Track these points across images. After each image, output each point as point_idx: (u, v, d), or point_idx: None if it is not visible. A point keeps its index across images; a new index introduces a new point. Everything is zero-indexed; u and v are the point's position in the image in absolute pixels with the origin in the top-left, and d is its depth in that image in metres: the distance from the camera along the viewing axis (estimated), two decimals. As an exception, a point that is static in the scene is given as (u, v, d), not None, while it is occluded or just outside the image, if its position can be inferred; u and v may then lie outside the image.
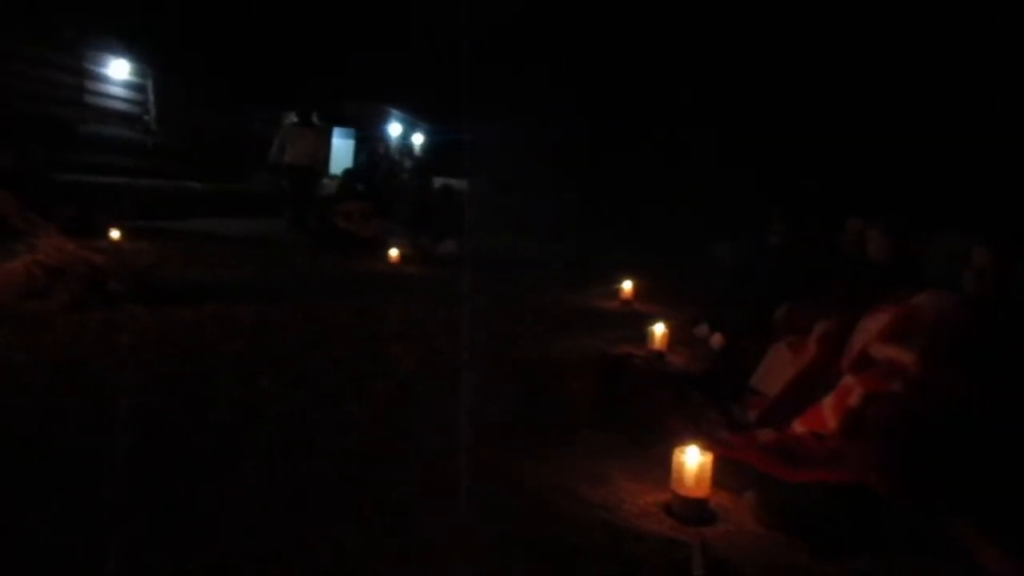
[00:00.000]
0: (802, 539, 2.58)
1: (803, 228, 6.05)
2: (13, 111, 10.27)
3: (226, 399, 3.58)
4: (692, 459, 2.70)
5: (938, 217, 7.96)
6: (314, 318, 5.55)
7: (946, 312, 3.11)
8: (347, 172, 13.67)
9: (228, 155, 14.59)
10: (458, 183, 17.11)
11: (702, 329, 5.74)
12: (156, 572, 2.09)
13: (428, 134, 24.25)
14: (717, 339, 5.33)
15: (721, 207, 13.77)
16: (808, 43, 16.32)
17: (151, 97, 13.00)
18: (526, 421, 3.64)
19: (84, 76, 11.67)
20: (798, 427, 3.28)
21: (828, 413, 3.14)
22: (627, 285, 7.51)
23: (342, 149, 19.29)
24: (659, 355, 5.14)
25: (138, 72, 12.60)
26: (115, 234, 7.90)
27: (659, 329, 5.24)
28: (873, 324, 3.32)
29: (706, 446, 2.76)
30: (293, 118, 11.83)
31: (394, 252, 9.38)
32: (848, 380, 3.19)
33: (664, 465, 2.82)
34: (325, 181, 12.33)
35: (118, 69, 12.16)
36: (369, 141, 21.15)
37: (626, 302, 7.42)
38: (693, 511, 2.69)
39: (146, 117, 13.00)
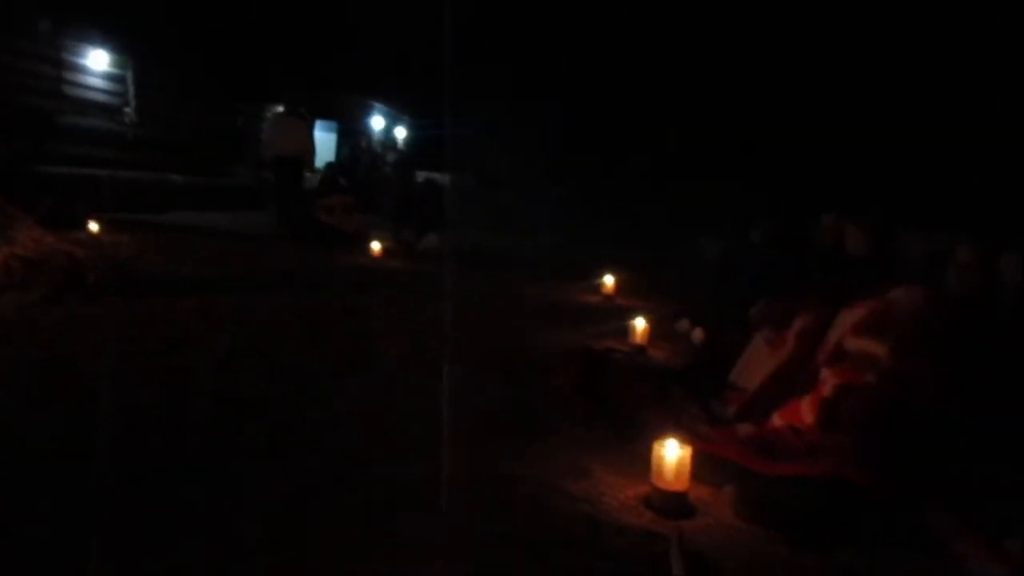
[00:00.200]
0: (781, 532, 2.61)
1: (784, 225, 6.10)
2: (-10, 102, 10.16)
3: (208, 393, 3.57)
4: (672, 453, 2.72)
5: (918, 215, 8.03)
6: (296, 312, 5.53)
7: (919, 306, 3.16)
8: (329, 166, 13.63)
9: (210, 147, 14.47)
10: (441, 177, 17.11)
11: (683, 324, 5.78)
12: (138, 568, 2.08)
13: (411, 128, 24.16)
14: (698, 334, 5.37)
15: (706, 203, 13.82)
16: (791, 41, 16.40)
17: (131, 88, 12.87)
18: (508, 415, 3.66)
19: (62, 67, 11.53)
20: (777, 421, 3.33)
21: (806, 407, 3.18)
22: (609, 280, 7.54)
23: (324, 142, 19.15)
24: (640, 350, 5.17)
25: (118, 63, 12.46)
26: (94, 227, 7.84)
27: (640, 324, 5.27)
28: (849, 319, 3.36)
29: (686, 440, 2.78)
30: (279, 109, 11.79)
31: (376, 246, 9.35)
32: (824, 373, 3.23)
33: (645, 459, 2.84)
34: (308, 175, 12.29)
35: (97, 60, 12.02)
36: (351, 134, 21.05)
37: (608, 297, 7.46)
38: (673, 504, 2.71)
39: (126, 108, 12.87)
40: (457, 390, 3.85)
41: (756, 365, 4.03)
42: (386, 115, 22.30)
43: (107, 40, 12.02)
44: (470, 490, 2.72)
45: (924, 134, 13.17)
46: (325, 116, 18.53)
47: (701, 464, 2.85)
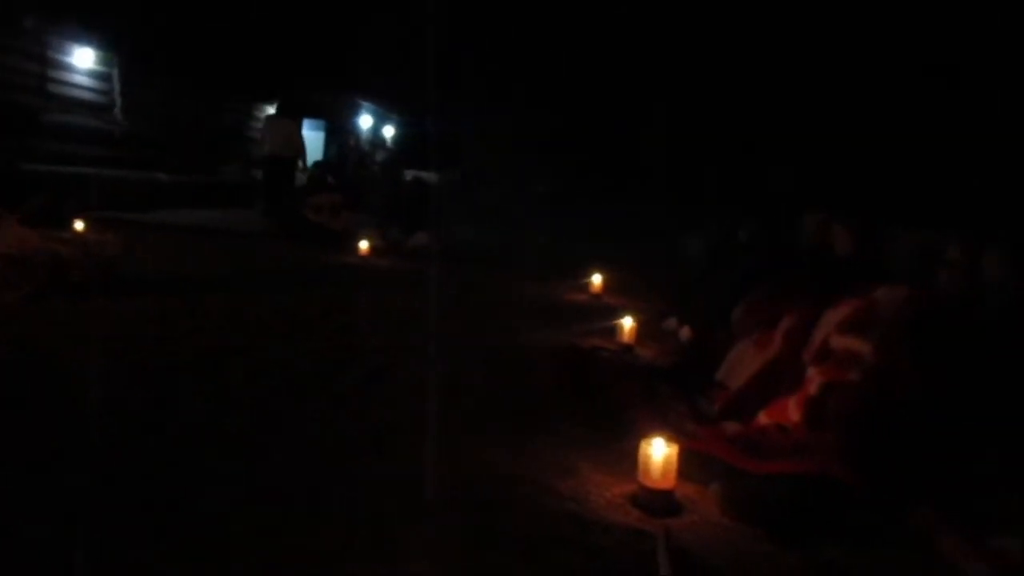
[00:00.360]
0: (767, 530, 2.61)
1: (770, 224, 6.12)
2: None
3: (193, 391, 3.56)
4: (658, 451, 2.73)
5: (904, 213, 8.08)
6: (282, 310, 5.52)
7: (902, 305, 3.17)
8: (317, 164, 13.60)
9: (197, 145, 14.41)
10: (429, 176, 17.09)
11: (671, 322, 5.79)
12: (119, 563, 2.07)
13: (399, 126, 24.13)
14: (685, 332, 5.38)
15: (693, 201, 13.87)
16: (776, 40, 16.45)
17: (117, 86, 12.78)
18: (495, 414, 3.66)
19: (48, 64, 11.43)
20: (763, 419, 3.34)
21: (792, 406, 3.19)
22: (596, 279, 7.55)
23: (312, 141, 19.07)
24: (628, 348, 5.18)
25: (104, 60, 12.37)
26: (79, 225, 7.78)
27: (628, 322, 5.28)
28: (834, 316, 3.38)
29: (672, 438, 2.79)
30: (271, 110, 11.86)
31: (364, 244, 9.33)
32: (810, 371, 3.25)
33: (631, 457, 2.84)
34: (298, 174, 12.32)
35: (83, 57, 11.93)
36: (339, 133, 20.99)
37: (595, 295, 7.47)
38: (659, 502, 2.71)
39: (114, 108, 12.79)
40: (443, 389, 3.85)
41: (743, 364, 4.04)
42: (374, 114, 22.25)
43: (93, 37, 11.93)
44: (456, 488, 2.72)
45: (909, 133, 13.25)
46: (313, 115, 18.48)
47: (688, 462, 2.85)
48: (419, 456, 2.95)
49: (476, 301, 6.70)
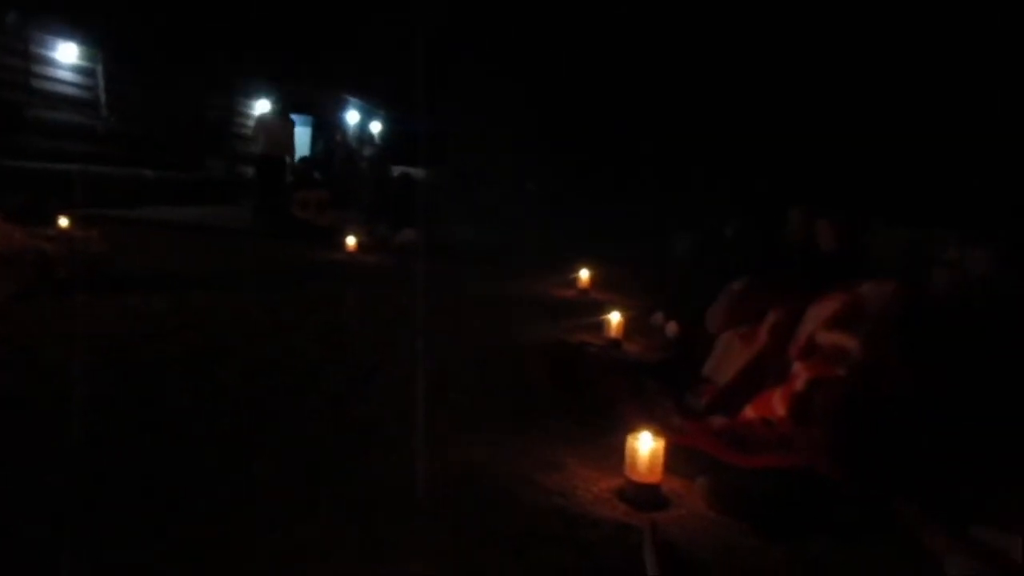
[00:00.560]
0: (753, 524, 2.63)
1: (756, 220, 6.15)
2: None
3: (179, 389, 3.54)
4: (645, 445, 2.74)
5: (891, 211, 8.12)
6: (269, 308, 5.50)
7: (889, 300, 3.20)
8: (303, 160, 13.55)
9: (183, 141, 14.34)
10: (417, 172, 17.06)
11: (658, 318, 5.81)
12: (107, 562, 2.07)
13: (387, 123, 24.06)
14: (672, 328, 5.40)
15: (682, 198, 13.89)
16: (761, 38, 16.49)
17: (102, 82, 12.70)
18: (482, 409, 3.67)
19: (31, 60, 11.35)
20: (749, 413, 3.36)
21: (777, 400, 3.21)
22: (584, 274, 7.57)
23: (299, 136, 19.01)
24: (615, 343, 5.20)
25: (88, 56, 12.28)
26: (64, 222, 7.73)
27: (615, 318, 5.29)
28: (819, 312, 3.40)
29: (659, 432, 2.80)
30: (260, 107, 11.84)
31: (351, 241, 9.32)
32: (796, 367, 3.27)
33: (618, 452, 2.86)
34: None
35: (66, 53, 11.85)
36: (326, 129, 20.92)
37: (583, 291, 7.48)
38: (646, 497, 2.73)
39: (99, 104, 12.70)
40: (431, 385, 3.86)
41: (729, 359, 4.07)
42: (361, 110, 22.17)
43: (77, 32, 11.85)
44: (444, 484, 2.72)
45: (893, 130, 13.31)
46: (300, 110, 18.42)
47: (674, 456, 2.87)
48: (408, 453, 2.96)
49: (464, 297, 6.71)
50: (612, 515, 2.62)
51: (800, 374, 3.19)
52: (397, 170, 16.30)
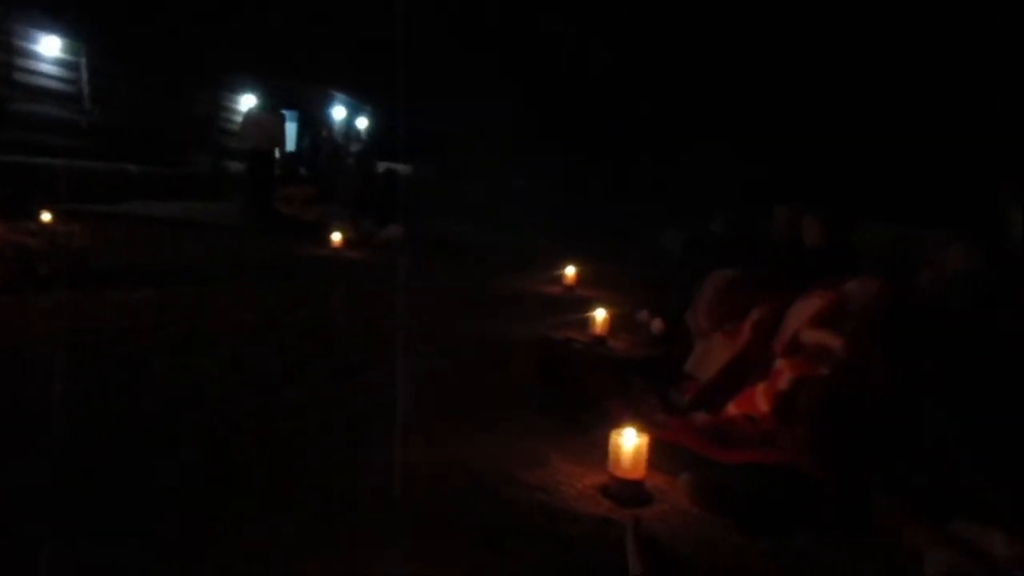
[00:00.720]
0: (736, 520, 2.64)
1: (743, 216, 6.17)
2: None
3: (161, 384, 3.53)
4: (629, 441, 2.74)
5: (879, 207, 8.17)
6: (253, 303, 5.48)
7: (873, 298, 3.21)
8: (289, 156, 13.48)
9: (167, 136, 14.25)
10: (403, 168, 17.00)
11: (643, 314, 5.81)
12: (84, 559, 2.05)
13: (373, 118, 24.00)
14: (657, 324, 5.41)
15: (671, 196, 13.92)
16: (751, 35, 16.54)
17: (85, 75, 12.59)
18: (467, 404, 3.66)
19: (13, 52, 11.24)
20: (732, 410, 3.36)
21: (761, 397, 3.22)
22: (570, 271, 7.57)
23: (287, 131, 18.93)
24: (600, 340, 5.20)
25: (71, 49, 12.18)
26: (46, 216, 7.67)
27: (601, 314, 5.29)
28: (804, 309, 3.41)
29: (643, 428, 2.80)
30: (247, 101, 11.76)
31: (337, 236, 9.28)
32: (779, 364, 3.27)
33: (602, 447, 2.86)
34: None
35: (49, 46, 11.74)
36: (312, 124, 20.84)
37: (569, 287, 7.48)
38: (630, 493, 2.73)
39: (82, 98, 12.59)
40: (415, 379, 3.85)
41: (712, 355, 4.07)
42: (348, 105, 22.10)
43: (59, 25, 11.74)
44: (427, 479, 2.72)
45: (882, 131, 13.39)
46: (286, 105, 18.34)
47: (658, 452, 2.87)
48: (391, 448, 2.95)
49: (449, 292, 6.69)
50: (595, 511, 2.62)
51: (784, 372, 3.20)
52: (383, 166, 16.25)
